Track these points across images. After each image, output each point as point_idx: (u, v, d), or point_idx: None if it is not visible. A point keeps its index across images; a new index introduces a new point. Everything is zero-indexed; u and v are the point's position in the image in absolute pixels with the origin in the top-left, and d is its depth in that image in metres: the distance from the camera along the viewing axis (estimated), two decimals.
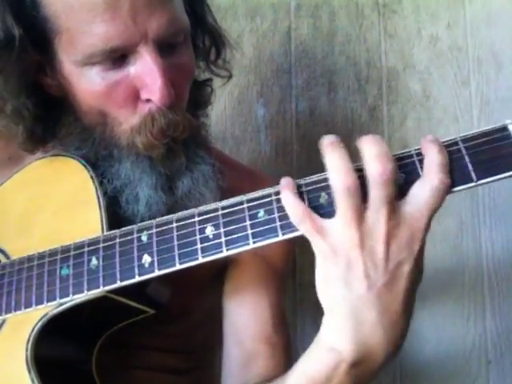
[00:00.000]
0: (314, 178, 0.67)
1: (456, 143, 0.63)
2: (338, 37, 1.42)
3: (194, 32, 0.88)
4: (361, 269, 0.61)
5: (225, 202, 0.70)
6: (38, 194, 0.87)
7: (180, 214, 0.73)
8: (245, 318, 0.92)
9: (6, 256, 0.85)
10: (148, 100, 0.80)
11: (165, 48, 0.79)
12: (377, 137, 0.62)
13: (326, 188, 0.65)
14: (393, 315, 0.62)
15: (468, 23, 1.38)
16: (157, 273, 0.71)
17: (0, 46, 0.78)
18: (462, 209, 1.35)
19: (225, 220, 0.69)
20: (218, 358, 0.96)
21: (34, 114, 0.85)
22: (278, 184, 0.68)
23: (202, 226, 0.70)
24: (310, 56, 1.42)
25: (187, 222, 0.71)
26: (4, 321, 0.81)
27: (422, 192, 0.61)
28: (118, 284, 0.73)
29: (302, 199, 0.65)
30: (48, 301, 0.77)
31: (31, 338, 0.75)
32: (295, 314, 1.36)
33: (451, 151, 0.63)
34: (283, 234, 0.66)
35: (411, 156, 0.64)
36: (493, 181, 0.62)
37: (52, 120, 0.88)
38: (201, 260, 0.69)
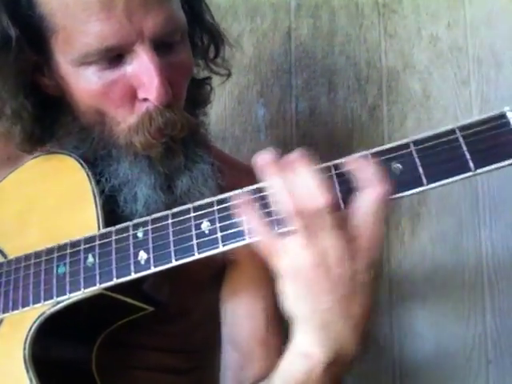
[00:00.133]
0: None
1: (453, 132, 0.62)
2: (338, 37, 1.42)
3: (192, 30, 0.88)
4: (325, 284, 0.64)
5: (220, 197, 0.70)
6: (34, 192, 0.87)
7: (175, 209, 0.73)
8: (241, 319, 0.94)
9: (4, 255, 0.85)
10: (145, 99, 0.79)
11: (162, 47, 0.79)
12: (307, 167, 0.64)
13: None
14: (355, 320, 0.66)
15: (468, 23, 1.38)
16: (153, 269, 0.71)
17: None
18: (462, 209, 1.34)
19: (221, 215, 0.69)
20: (217, 358, 0.96)
21: (32, 115, 0.84)
22: None
23: (197, 222, 0.70)
24: (310, 56, 1.42)
25: (183, 217, 0.71)
26: (2, 320, 0.81)
27: (365, 205, 0.63)
28: (115, 281, 0.73)
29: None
30: (45, 299, 0.77)
31: (29, 337, 0.76)
32: None
33: (448, 140, 0.62)
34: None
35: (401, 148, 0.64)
36: (491, 170, 0.61)
37: (50, 120, 0.88)
38: (197, 256, 0.69)
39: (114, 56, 0.77)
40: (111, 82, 0.79)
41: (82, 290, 0.75)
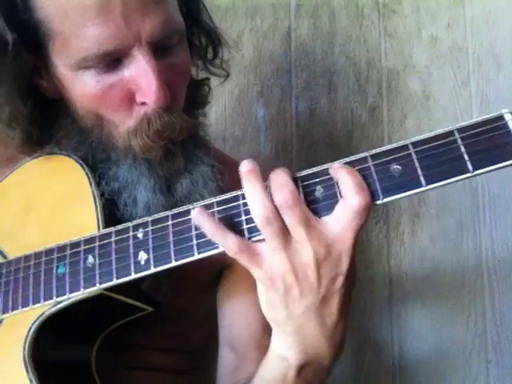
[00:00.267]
0: (309, 171, 0.67)
1: (452, 133, 0.62)
2: (338, 37, 1.42)
3: (189, 31, 0.87)
4: (297, 291, 0.66)
5: (220, 197, 0.70)
6: (33, 193, 0.87)
7: (175, 210, 0.73)
8: (237, 322, 0.95)
9: (3, 255, 0.85)
10: (143, 103, 0.79)
11: (159, 50, 0.78)
12: (280, 169, 0.66)
13: (322, 182, 0.66)
14: (331, 324, 0.68)
15: (468, 23, 1.38)
16: (153, 270, 0.71)
17: None
18: (462, 209, 1.35)
19: (220, 216, 0.69)
20: (216, 359, 0.97)
21: (31, 117, 0.84)
22: None
23: None
24: (309, 56, 1.42)
25: (183, 218, 0.71)
26: (1, 321, 0.81)
27: (343, 214, 0.64)
28: (115, 282, 0.73)
29: (298, 193, 0.65)
30: (45, 299, 0.77)
31: (29, 338, 0.76)
32: None
33: (447, 141, 0.62)
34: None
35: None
36: (489, 171, 0.61)
37: (49, 122, 0.88)
38: (197, 256, 0.69)
39: (112, 60, 0.77)
40: (109, 86, 0.78)
41: (82, 290, 0.75)
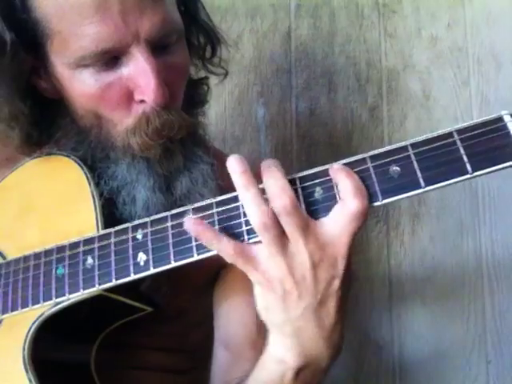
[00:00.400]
0: (309, 172, 0.67)
1: (451, 135, 0.62)
2: (338, 37, 1.42)
3: (188, 30, 0.87)
4: (295, 294, 0.66)
5: (220, 198, 0.70)
6: (32, 193, 0.87)
7: (175, 210, 0.72)
8: (233, 323, 0.95)
9: (2, 256, 0.85)
10: (142, 101, 0.79)
11: (158, 48, 0.78)
12: (274, 166, 0.66)
13: (321, 183, 0.66)
14: (329, 326, 0.68)
15: (468, 23, 1.38)
16: (152, 271, 0.71)
17: None
18: (462, 209, 1.35)
19: (220, 217, 0.69)
20: None
21: (30, 117, 0.84)
22: None
23: None
24: (309, 56, 1.42)
25: (182, 218, 0.71)
26: (1, 321, 0.81)
27: (340, 218, 0.64)
28: (114, 282, 0.73)
29: (297, 195, 0.65)
30: (44, 300, 0.77)
31: (28, 338, 0.76)
32: None
33: (446, 143, 0.62)
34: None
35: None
36: (488, 172, 0.61)
37: (47, 122, 0.87)
38: (196, 257, 0.69)
39: (110, 58, 0.77)
40: (108, 85, 0.78)
41: (81, 291, 0.75)
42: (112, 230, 0.76)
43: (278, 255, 0.65)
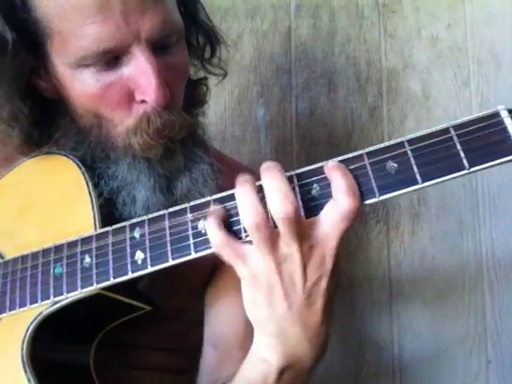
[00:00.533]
0: (306, 169, 0.67)
1: (447, 131, 0.63)
2: (338, 37, 1.42)
3: (187, 30, 0.87)
4: (281, 292, 0.65)
5: (217, 196, 0.70)
6: (30, 193, 0.87)
7: (172, 209, 0.72)
8: (222, 321, 0.95)
9: (1, 256, 0.85)
10: (143, 101, 0.79)
11: (158, 48, 0.78)
12: (276, 168, 0.64)
13: (318, 181, 0.66)
14: (314, 326, 0.68)
15: (468, 23, 1.38)
16: (150, 269, 0.71)
17: None
18: (461, 209, 1.34)
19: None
20: None
21: (30, 118, 0.84)
22: None
23: (194, 221, 0.70)
24: (309, 56, 1.42)
25: (179, 217, 0.71)
26: None
27: (331, 215, 0.64)
28: (112, 281, 0.73)
29: (294, 192, 0.64)
30: (42, 299, 0.77)
31: (27, 337, 0.76)
32: None
33: (443, 139, 0.62)
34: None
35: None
36: (486, 168, 0.61)
37: (47, 122, 0.87)
38: (193, 255, 0.69)
39: (111, 58, 0.77)
40: (108, 85, 0.78)
41: (79, 289, 0.75)
42: (109, 228, 0.76)
43: (268, 254, 0.64)
